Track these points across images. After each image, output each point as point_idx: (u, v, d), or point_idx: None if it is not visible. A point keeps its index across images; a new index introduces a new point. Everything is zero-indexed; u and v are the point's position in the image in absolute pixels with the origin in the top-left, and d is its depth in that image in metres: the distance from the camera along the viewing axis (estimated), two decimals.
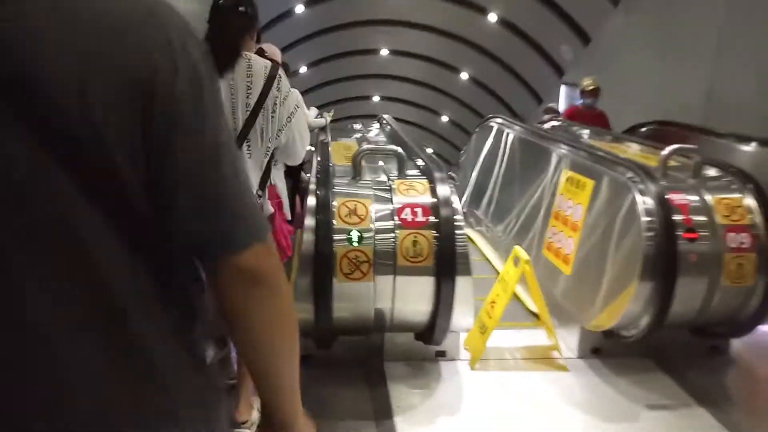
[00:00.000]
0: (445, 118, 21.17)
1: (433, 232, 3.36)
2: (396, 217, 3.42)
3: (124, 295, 0.91)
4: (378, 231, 3.38)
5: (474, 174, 7.54)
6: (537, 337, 4.14)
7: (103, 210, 0.88)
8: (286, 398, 1.10)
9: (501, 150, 6.87)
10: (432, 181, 3.62)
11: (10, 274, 0.85)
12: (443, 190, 3.50)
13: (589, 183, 4.17)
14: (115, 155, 0.87)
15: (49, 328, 0.87)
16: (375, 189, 3.61)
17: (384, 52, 18.31)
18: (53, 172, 0.84)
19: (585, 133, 6.80)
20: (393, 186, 3.60)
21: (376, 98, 21.42)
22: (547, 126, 7.57)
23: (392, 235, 3.37)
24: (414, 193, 3.56)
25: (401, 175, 3.79)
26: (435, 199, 3.48)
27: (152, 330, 0.94)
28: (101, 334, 0.89)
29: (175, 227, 0.94)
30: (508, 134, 6.87)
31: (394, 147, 4.09)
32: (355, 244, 3.33)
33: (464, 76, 18.54)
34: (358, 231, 3.36)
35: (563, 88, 13.00)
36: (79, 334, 0.88)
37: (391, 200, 3.51)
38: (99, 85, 0.85)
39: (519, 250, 3.85)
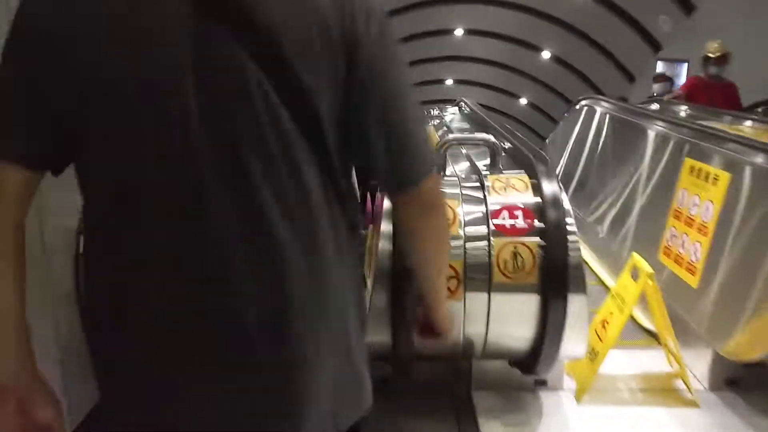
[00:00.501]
0: (523, 101, 20.14)
1: (538, 241, 2.71)
2: (491, 222, 2.78)
3: (320, 203, 1.09)
4: (468, 239, 2.75)
5: (564, 163, 6.73)
6: (655, 362, 3.43)
7: (307, 137, 1.04)
8: (440, 294, 1.38)
9: (599, 135, 6.05)
10: (534, 176, 2.95)
11: (249, 178, 1.03)
12: (550, 187, 2.83)
13: (724, 176, 3.42)
14: (318, 97, 1.03)
15: (282, 230, 1.05)
16: (463, 187, 2.98)
17: (459, 32, 17.40)
18: (273, 97, 1.01)
19: (699, 111, 5.81)
20: (486, 183, 2.95)
21: (449, 82, 20.53)
22: (663, 99, 6.57)
23: (486, 244, 2.74)
24: (512, 191, 2.91)
25: (495, 169, 3.14)
26: (539, 199, 2.82)
27: (339, 237, 1.14)
28: (311, 245, 1.09)
29: (363, 161, 1.14)
30: (606, 116, 6.04)
31: (485, 135, 3.41)
32: None
33: (546, 54, 17.39)
34: None
35: (660, 65, 11.90)
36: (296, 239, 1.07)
37: (483, 201, 2.87)
38: (315, 34, 1.02)
39: (639, 260, 3.15)
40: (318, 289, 1.09)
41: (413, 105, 1.12)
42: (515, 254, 2.70)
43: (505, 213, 2.78)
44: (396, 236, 2.65)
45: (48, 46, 0.97)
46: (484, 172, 3.10)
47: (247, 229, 1.02)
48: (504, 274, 2.70)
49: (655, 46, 13.80)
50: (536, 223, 2.76)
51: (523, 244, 2.71)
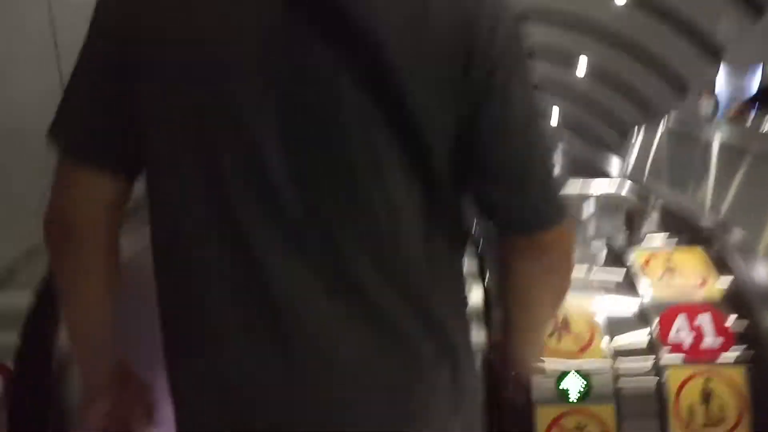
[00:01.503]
0: (553, 123, 18.75)
1: (747, 369, 1.56)
2: (656, 336, 1.62)
3: (417, 255, 0.89)
4: (623, 374, 1.60)
5: None
6: None
7: (409, 166, 0.86)
8: (535, 349, 1.14)
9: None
10: (717, 249, 1.79)
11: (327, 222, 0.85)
12: (748, 270, 1.68)
13: None
14: (426, 117, 0.85)
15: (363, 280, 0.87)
16: (596, 273, 1.83)
17: None
18: (373, 119, 0.83)
19: None
20: (633, 263, 1.80)
21: None
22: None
23: (654, 377, 1.58)
24: (684, 280, 1.73)
25: (634, 235, 2.00)
26: (739, 290, 1.65)
27: (441, 291, 0.92)
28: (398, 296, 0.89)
29: (477, 195, 0.94)
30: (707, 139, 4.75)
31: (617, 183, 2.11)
32: (574, 400, 1.57)
33: (581, 68, 15.73)
34: (580, 375, 1.58)
35: (723, 72, 10.54)
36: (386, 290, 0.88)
37: (636, 293, 1.73)
38: (425, 46, 0.84)
39: None
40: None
41: (543, 133, 0.93)
42: (707, 393, 1.53)
43: (682, 321, 1.61)
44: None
45: (130, 46, 0.87)
46: (618, 243, 1.93)
47: (337, 301, 0.86)
48: (690, 427, 1.53)
49: (713, 53, 11.97)
50: (739, 338, 1.58)
51: (720, 372, 1.55)
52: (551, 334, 1.66)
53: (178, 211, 0.89)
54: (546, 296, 1.03)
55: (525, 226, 0.93)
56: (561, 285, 1.02)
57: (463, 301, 1.00)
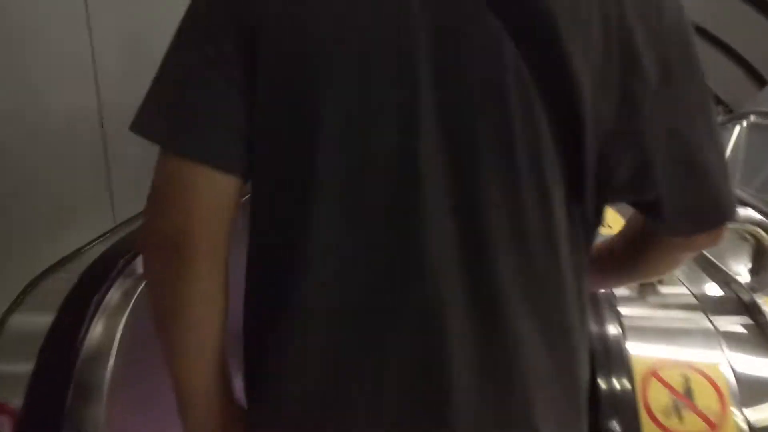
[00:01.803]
0: None
1: None
2: None
3: (565, 260, 0.84)
4: None
5: None
6: None
7: (563, 158, 0.80)
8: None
9: None
10: None
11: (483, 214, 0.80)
12: None
13: None
14: (586, 105, 0.78)
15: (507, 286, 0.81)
16: (717, 322, 1.48)
17: None
18: (536, 107, 0.78)
19: None
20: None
21: None
22: None
23: None
24: None
25: (763, 276, 1.63)
26: None
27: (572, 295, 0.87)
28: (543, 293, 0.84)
29: (636, 195, 0.87)
30: None
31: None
32: None
33: None
34: None
35: None
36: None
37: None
38: (594, 16, 0.78)
39: None
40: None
41: (715, 121, 0.86)
42: None
43: None
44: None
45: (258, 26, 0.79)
46: (739, 280, 1.59)
47: (473, 309, 0.81)
48: None
49: None
50: None
51: None
52: (668, 414, 1.28)
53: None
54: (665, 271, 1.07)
55: (701, 224, 0.88)
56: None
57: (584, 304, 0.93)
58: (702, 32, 8.94)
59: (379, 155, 0.79)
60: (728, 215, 0.88)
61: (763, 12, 8.90)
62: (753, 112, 4.75)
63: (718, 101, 8.80)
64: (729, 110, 8.31)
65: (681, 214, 0.86)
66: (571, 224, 0.84)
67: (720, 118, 6.01)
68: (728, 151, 4.61)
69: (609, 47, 0.78)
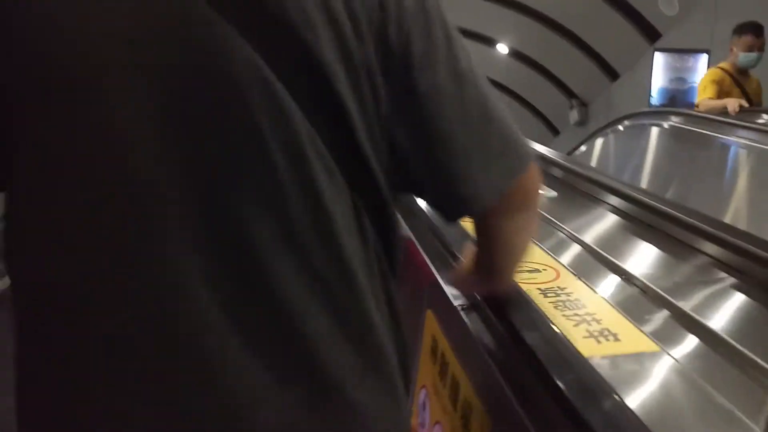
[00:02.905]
0: None
1: None
2: None
3: (352, 254, 0.77)
4: None
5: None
6: None
7: (333, 155, 0.74)
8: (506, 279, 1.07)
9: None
10: None
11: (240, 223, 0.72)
12: None
13: None
14: (344, 93, 0.73)
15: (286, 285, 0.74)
16: None
17: None
18: (285, 104, 0.72)
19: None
20: None
21: None
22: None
23: None
24: None
25: None
26: None
27: (372, 288, 0.80)
28: (330, 295, 0.76)
29: (417, 177, 0.82)
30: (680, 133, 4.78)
31: None
32: None
33: (502, 49, 11.99)
34: None
35: (658, 57, 9.79)
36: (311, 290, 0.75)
37: None
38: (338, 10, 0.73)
39: None
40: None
41: (478, 78, 0.82)
42: None
43: None
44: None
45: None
46: None
47: (246, 310, 0.73)
48: None
49: (651, 34, 8.84)
50: None
51: None
52: None
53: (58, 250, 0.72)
54: (525, 238, 0.95)
55: (493, 189, 0.82)
56: (532, 225, 0.94)
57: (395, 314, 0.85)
58: (558, 28, 11.46)
59: (104, 182, 0.71)
60: (522, 167, 0.84)
61: (616, 7, 9.60)
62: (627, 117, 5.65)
63: (572, 94, 11.79)
64: (582, 103, 12.10)
65: (433, 203, 0.89)
66: (356, 218, 0.78)
67: (575, 113, 10.76)
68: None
69: (364, 41, 0.74)
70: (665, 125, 5.09)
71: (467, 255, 1.09)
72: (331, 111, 0.73)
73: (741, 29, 4.88)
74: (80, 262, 0.72)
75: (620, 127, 5.67)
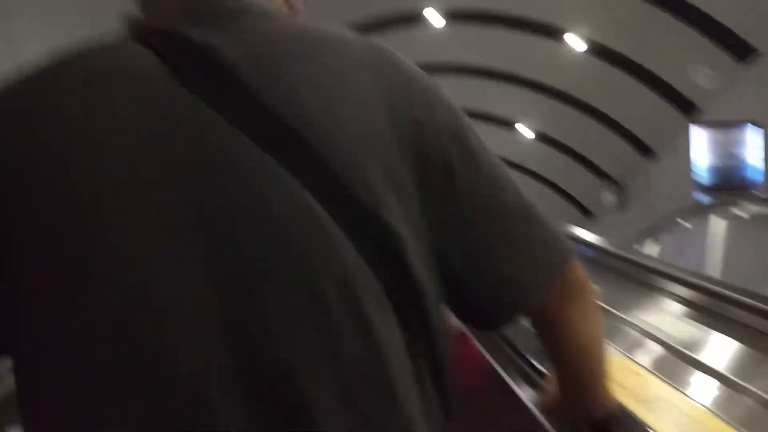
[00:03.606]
0: None
1: None
2: None
3: (401, 382, 0.70)
4: None
5: None
6: None
7: (381, 278, 0.70)
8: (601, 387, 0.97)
9: None
10: None
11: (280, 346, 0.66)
12: None
13: None
14: (394, 220, 0.70)
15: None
16: None
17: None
18: (332, 231, 0.67)
19: None
20: None
21: None
22: None
23: None
24: None
25: None
26: None
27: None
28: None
29: (456, 287, 0.78)
30: None
31: None
32: None
33: (527, 132, 11.68)
34: None
35: (696, 132, 8.96)
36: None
37: None
38: (378, 145, 0.71)
39: None
40: None
41: (514, 182, 0.81)
42: None
43: None
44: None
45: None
46: None
47: None
48: None
49: (686, 107, 8.38)
50: None
51: None
52: None
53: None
54: (593, 328, 0.90)
55: (546, 282, 0.81)
56: (590, 303, 0.90)
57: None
58: (582, 107, 10.92)
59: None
60: (567, 258, 0.83)
61: (645, 82, 9.02)
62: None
63: (603, 174, 11.14)
64: (615, 182, 11.43)
65: (472, 311, 0.84)
66: (405, 336, 0.72)
67: (608, 194, 10.15)
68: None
69: (391, 167, 0.71)
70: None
71: (549, 382, 1.10)
72: (380, 239, 0.71)
73: None
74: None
75: None
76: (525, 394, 1.36)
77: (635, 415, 1.12)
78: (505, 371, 1.49)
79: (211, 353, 0.65)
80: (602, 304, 1.12)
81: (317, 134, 0.68)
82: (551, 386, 1.05)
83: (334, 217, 0.68)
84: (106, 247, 0.66)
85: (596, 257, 2.48)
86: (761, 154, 6.90)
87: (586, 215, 12.63)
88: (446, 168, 0.75)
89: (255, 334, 0.66)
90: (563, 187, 12.65)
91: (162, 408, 0.65)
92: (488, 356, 1.58)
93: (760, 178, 6.92)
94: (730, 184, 6.93)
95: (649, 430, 1.09)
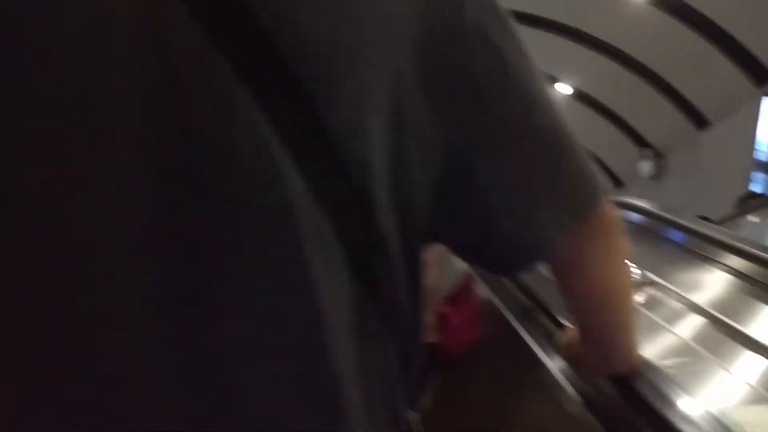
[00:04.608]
0: None
1: None
2: None
3: (335, 339, 0.61)
4: None
5: None
6: None
7: (334, 223, 0.61)
8: (632, 335, 0.91)
9: None
10: None
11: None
12: None
13: None
14: (366, 145, 0.61)
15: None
16: None
17: None
18: (281, 165, 0.58)
19: None
20: None
21: None
22: None
23: None
24: None
25: None
26: None
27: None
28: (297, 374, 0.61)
29: (465, 228, 0.70)
30: None
31: None
32: None
33: (564, 89, 10.27)
34: None
35: (766, 103, 8.11)
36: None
37: None
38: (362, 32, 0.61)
39: None
40: None
41: (553, 112, 0.70)
42: None
43: None
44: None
45: None
46: None
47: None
48: None
49: (760, 75, 7.31)
50: None
51: None
52: None
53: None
54: (617, 270, 0.82)
55: (575, 217, 0.72)
56: (621, 245, 0.81)
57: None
58: (635, 66, 9.86)
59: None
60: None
61: (717, 45, 7.81)
62: None
63: (644, 143, 10.22)
64: (657, 154, 10.50)
65: (486, 254, 0.76)
66: (359, 314, 0.63)
67: (647, 165, 8.85)
68: None
69: (383, 66, 0.62)
70: None
71: (569, 332, 1.03)
72: (341, 178, 0.62)
73: None
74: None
75: None
76: (539, 346, 1.31)
77: (662, 371, 1.03)
78: (520, 323, 1.45)
79: (139, 264, 0.59)
80: None
81: (296, 49, 0.59)
82: (571, 337, 0.99)
83: (291, 148, 0.60)
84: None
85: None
86: None
87: (618, 186, 11.77)
88: (470, 81, 0.66)
89: (185, 247, 0.59)
90: (595, 153, 11.78)
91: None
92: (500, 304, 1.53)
93: None
94: None
95: (676, 388, 0.99)
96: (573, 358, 1.07)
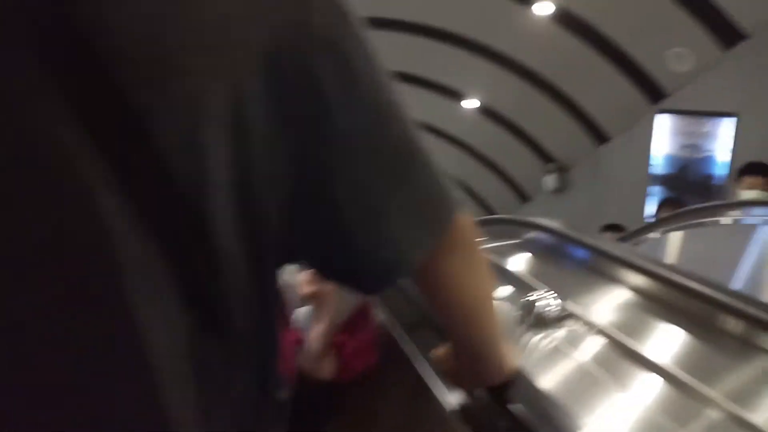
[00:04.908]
0: None
1: None
2: None
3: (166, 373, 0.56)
4: None
5: None
6: None
7: (158, 244, 0.55)
8: (497, 336, 0.91)
9: None
10: None
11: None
12: None
13: None
14: (202, 167, 0.56)
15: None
16: None
17: None
18: (85, 180, 0.52)
19: None
20: None
21: None
22: None
23: None
24: None
25: None
26: None
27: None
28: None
29: (317, 246, 0.68)
30: None
31: None
32: None
33: (471, 103, 10.52)
34: None
35: (662, 120, 8.29)
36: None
37: None
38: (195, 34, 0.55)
39: None
40: None
41: (403, 124, 0.68)
42: None
43: None
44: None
45: None
46: None
47: None
48: None
49: (654, 92, 7.69)
50: None
51: None
52: None
53: None
54: (477, 279, 0.82)
55: (433, 234, 0.71)
56: (478, 257, 0.82)
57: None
58: (539, 83, 10.13)
59: None
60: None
61: (613, 62, 8.06)
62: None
63: (549, 158, 10.49)
64: (560, 168, 10.78)
65: (341, 274, 0.75)
66: (197, 347, 0.58)
67: (551, 179, 8.88)
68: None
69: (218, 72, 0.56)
70: None
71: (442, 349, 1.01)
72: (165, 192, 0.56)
73: None
74: None
75: None
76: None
77: (534, 381, 1.05)
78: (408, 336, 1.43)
79: None
80: None
81: (118, 49, 0.53)
82: (446, 351, 0.99)
83: (107, 163, 0.53)
84: None
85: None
86: (730, 146, 6.53)
87: (524, 200, 12.02)
88: (317, 90, 0.62)
89: None
90: (502, 167, 11.99)
91: None
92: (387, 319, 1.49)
93: (723, 172, 6.62)
94: (690, 176, 6.70)
95: (548, 396, 1.02)
96: (448, 371, 1.06)
